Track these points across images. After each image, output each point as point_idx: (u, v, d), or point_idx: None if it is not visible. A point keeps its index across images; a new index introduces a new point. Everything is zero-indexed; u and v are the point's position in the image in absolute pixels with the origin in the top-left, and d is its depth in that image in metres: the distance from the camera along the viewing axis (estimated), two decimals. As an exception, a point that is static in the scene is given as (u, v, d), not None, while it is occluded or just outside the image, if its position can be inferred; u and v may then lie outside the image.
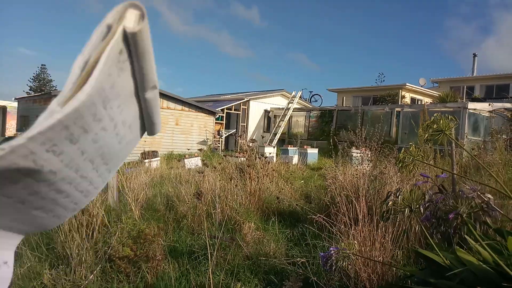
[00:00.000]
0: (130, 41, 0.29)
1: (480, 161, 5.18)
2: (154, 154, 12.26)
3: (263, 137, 16.81)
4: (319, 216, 3.25)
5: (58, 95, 0.27)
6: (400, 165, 1.90)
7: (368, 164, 5.65)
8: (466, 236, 1.61)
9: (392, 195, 2.00)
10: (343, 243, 2.94)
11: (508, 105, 14.42)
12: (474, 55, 25.80)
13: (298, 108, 19.99)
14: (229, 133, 19.38)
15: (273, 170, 6.58)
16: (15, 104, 21.12)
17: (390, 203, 1.99)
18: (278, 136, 18.19)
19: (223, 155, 9.34)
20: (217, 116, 18.03)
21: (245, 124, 20.28)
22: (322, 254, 1.99)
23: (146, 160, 11.09)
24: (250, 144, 6.98)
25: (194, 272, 3.02)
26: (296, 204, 5.11)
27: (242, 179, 5.46)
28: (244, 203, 4.87)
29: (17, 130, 19.78)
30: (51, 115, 0.25)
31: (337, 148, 7.39)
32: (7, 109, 25.94)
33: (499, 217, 2.06)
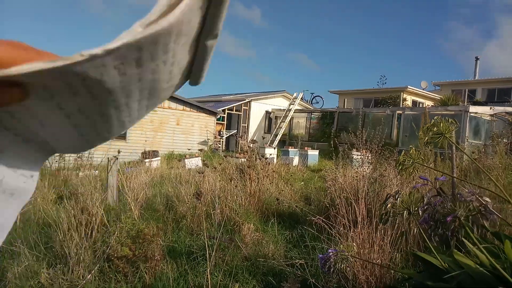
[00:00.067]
0: None
1: (480, 164, 5.17)
2: (154, 153, 12.28)
3: (264, 138, 16.80)
4: (319, 218, 3.25)
5: (143, 18, 0.27)
6: (400, 167, 1.90)
7: (368, 167, 5.65)
8: (463, 239, 1.61)
9: (391, 197, 2.00)
10: (341, 245, 2.94)
11: (509, 109, 14.39)
12: (476, 59, 25.79)
13: (299, 109, 19.99)
14: (230, 133, 19.38)
15: (273, 171, 6.57)
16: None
17: (389, 205, 1.99)
18: (279, 137, 18.19)
19: (224, 156, 9.35)
20: (218, 116, 18.03)
21: (246, 125, 20.28)
22: (320, 256, 1.99)
23: (147, 160, 11.11)
24: (251, 145, 6.98)
25: (192, 273, 3.02)
26: (296, 206, 5.11)
27: (242, 180, 5.46)
28: (244, 204, 4.87)
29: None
30: (131, 33, 0.25)
31: (338, 150, 7.39)
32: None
33: (498, 221, 2.06)
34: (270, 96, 21.68)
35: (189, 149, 14.59)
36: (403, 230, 3.01)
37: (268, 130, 20.72)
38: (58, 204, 4.52)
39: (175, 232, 4.10)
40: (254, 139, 10.92)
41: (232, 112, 19.97)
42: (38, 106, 0.28)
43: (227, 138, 19.54)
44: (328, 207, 4.36)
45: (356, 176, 4.79)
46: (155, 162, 11.14)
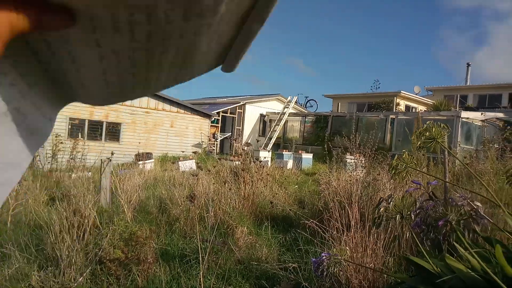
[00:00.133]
0: None
1: (472, 169, 5.23)
2: (148, 156, 12.22)
3: (258, 141, 16.82)
4: (312, 222, 3.26)
5: None
6: (393, 172, 1.91)
7: (362, 171, 5.68)
8: (455, 244, 1.63)
9: (384, 201, 2.01)
10: (335, 249, 2.94)
11: (500, 114, 14.59)
12: (468, 65, 26.09)
13: (294, 113, 20.05)
14: (224, 136, 19.37)
15: (268, 174, 6.58)
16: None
17: (382, 209, 2.01)
18: (273, 140, 18.22)
19: (218, 158, 9.33)
20: (213, 119, 18.02)
21: (241, 127, 20.29)
22: (314, 259, 1.99)
23: (140, 162, 11.06)
24: (245, 148, 6.98)
25: (185, 276, 3.00)
26: (290, 209, 5.11)
27: (236, 183, 5.46)
28: (238, 207, 4.87)
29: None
30: None
31: (332, 154, 7.41)
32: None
33: (489, 226, 2.08)
34: (264, 99, 21.72)
35: (183, 152, 14.54)
36: (396, 234, 3.03)
37: (263, 133, 20.74)
38: (50, 206, 4.48)
39: (168, 235, 4.08)
40: (249, 142, 10.92)
41: (226, 114, 19.97)
42: (77, 39, 0.27)
43: (222, 141, 19.52)
44: (322, 211, 4.37)
45: (350, 180, 4.82)
46: (149, 164, 11.09)
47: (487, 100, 22.44)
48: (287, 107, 19.42)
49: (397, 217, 1.89)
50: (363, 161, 6.26)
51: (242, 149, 6.85)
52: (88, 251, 3.01)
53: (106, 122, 14.13)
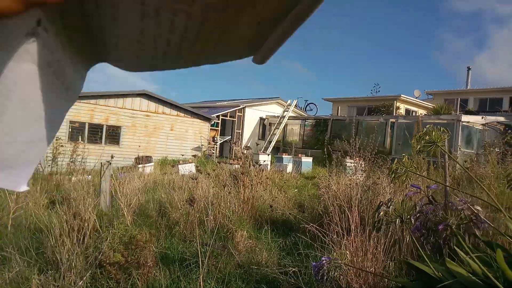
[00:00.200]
0: None
1: (472, 173, 5.22)
2: (148, 159, 12.22)
3: (257, 144, 16.81)
4: (312, 226, 3.26)
5: None
6: (393, 176, 1.91)
7: (362, 174, 5.68)
8: (456, 248, 1.62)
9: (384, 205, 2.01)
10: (335, 253, 2.94)
11: (501, 118, 14.59)
12: (468, 69, 26.13)
13: (293, 116, 20.06)
14: (224, 139, 19.36)
15: (267, 178, 6.58)
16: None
17: (381, 213, 2.01)
18: (272, 144, 18.22)
19: (218, 162, 9.34)
20: (212, 122, 18.03)
21: (240, 131, 20.29)
22: (314, 264, 1.99)
23: (140, 165, 11.05)
24: (245, 151, 6.99)
25: (185, 280, 2.99)
26: (289, 213, 5.11)
27: (236, 186, 5.46)
28: (237, 210, 4.86)
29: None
30: None
31: (331, 158, 7.42)
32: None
33: (490, 230, 2.08)
34: (264, 102, 21.74)
35: (182, 155, 14.54)
36: (396, 238, 3.03)
37: (262, 136, 20.74)
38: (50, 209, 4.48)
39: (168, 239, 4.07)
40: (248, 145, 10.93)
41: (226, 118, 19.98)
42: None
43: (221, 144, 19.51)
44: (322, 215, 4.37)
45: (350, 184, 4.81)
46: (149, 168, 11.08)
47: (488, 104, 22.46)
48: (287, 111, 19.43)
49: (397, 221, 1.89)
50: (363, 165, 6.26)
51: (242, 153, 6.86)
52: (88, 255, 3.00)
53: (106, 125, 14.14)
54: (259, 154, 13.22)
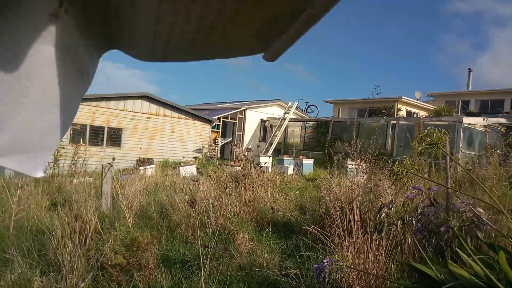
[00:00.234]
0: None
1: (474, 175, 5.22)
2: (149, 161, 12.23)
3: (258, 146, 16.80)
4: (313, 228, 3.25)
5: None
6: (394, 177, 1.91)
7: (363, 176, 5.67)
8: (458, 250, 1.62)
9: (385, 207, 2.01)
10: (336, 255, 2.94)
11: (502, 120, 14.58)
12: (469, 70, 26.11)
13: (294, 118, 20.06)
14: (225, 141, 19.37)
15: (268, 180, 6.58)
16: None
17: (383, 215, 2.01)
18: (273, 146, 18.21)
19: (219, 164, 9.33)
20: (213, 124, 18.04)
21: (241, 133, 20.30)
22: (315, 266, 1.99)
23: (141, 167, 11.06)
24: (246, 153, 6.99)
25: (186, 282, 2.99)
26: (291, 215, 5.10)
27: (237, 188, 5.46)
28: (238, 212, 4.86)
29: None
30: None
31: (333, 159, 7.41)
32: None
33: (492, 232, 2.08)
34: (265, 104, 21.75)
35: (184, 157, 14.54)
36: (397, 240, 3.02)
37: (263, 138, 20.74)
38: (52, 211, 4.48)
39: (169, 241, 4.07)
40: (249, 147, 10.92)
41: (227, 120, 20.00)
42: None
43: (222, 146, 19.52)
44: (323, 217, 4.37)
45: (351, 186, 4.81)
46: (150, 170, 11.08)
47: (489, 105, 22.42)
48: (288, 113, 19.44)
49: (399, 223, 1.89)
50: (364, 167, 6.26)
51: (243, 155, 6.86)
52: (90, 257, 3.01)
53: (108, 127, 14.16)
54: (260, 156, 13.21)
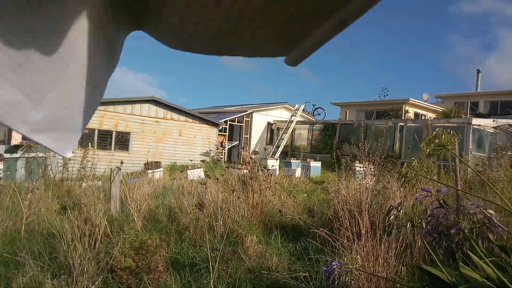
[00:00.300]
0: None
1: (484, 177, 5.16)
2: (157, 164, 12.30)
3: (265, 149, 16.79)
4: (322, 231, 3.24)
5: None
6: (403, 180, 1.90)
7: (371, 179, 5.64)
8: (469, 252, 1.61)
9: (394, 209, 2.00)
10: (346, 258, 2.92)
11: (512, 121, 14.39)
12: (478, 71, 25.84)
13: (301, 121, 20.03)
14: (232, 145, 19.41)
15: (276, 183, 6.57)
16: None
17: (392, 217, 1.99)
18: (281, 148, 18.20)
19: (226, 167, 9.35)
20: (220, 127, 18.09)
21: (248, 136, 20.32)
22: (324, 268, 1.98)
23: (149, 171, 11.11)
24: (253, 156, 6.99)
25: (195, 285, 3.00)
26: (299, 218, 5.09)
27: (245, 191, 5.46)
28: (246, 215, 4.86)
29: (22, 139, 19.86)
30: None
31: (340, 162, 7.38)
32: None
33: (504, 234, 2.05)
34: (271, 107, 21.76)
35: (191, 160, 14.59)
36: (407, 242, 3.00)
37: (270, 141, 20.73)
38: (62, 215, 4.53)
39: (178, 244, 4.09)
40: (256, 150, 10.92)
41: (234, 123, 20.04)
42: None
43: (229, 149, 19.56)
44: (332, 219, 4.35)
45: (359, 188, 4.79)
46: (158, 173, 11.14)
47: (499, 106, 22.15)
48: (295, 115, 19.42)
49: (408, 225, 1.87)
50: (372, 169, 6.23)
51: (250, 158, 6.87)
52: (100, 260, 3.03)
53: (116, 131, 14.28)
54: (267, 159, 13.21)
